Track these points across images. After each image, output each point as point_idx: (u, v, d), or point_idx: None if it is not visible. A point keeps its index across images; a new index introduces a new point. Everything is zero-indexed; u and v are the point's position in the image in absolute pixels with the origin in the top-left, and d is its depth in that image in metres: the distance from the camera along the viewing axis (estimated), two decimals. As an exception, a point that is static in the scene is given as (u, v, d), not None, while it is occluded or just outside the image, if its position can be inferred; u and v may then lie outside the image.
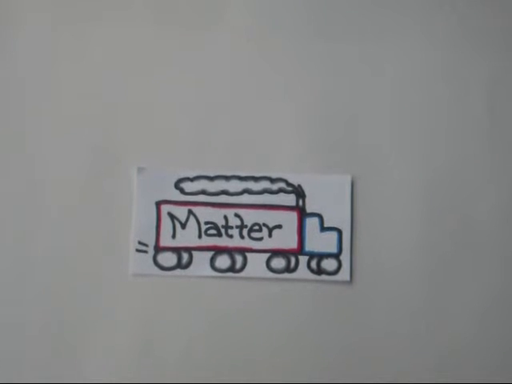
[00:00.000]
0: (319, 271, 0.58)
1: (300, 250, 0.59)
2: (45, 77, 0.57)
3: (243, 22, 0.58)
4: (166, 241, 0.58)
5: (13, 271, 0.55)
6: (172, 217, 0.58)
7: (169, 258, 0.58)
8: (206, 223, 0.58)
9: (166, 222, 0.58)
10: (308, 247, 0.59)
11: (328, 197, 0.59)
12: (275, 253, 0.58)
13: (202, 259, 0.58)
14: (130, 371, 0.55)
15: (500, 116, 0.58)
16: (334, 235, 0.59)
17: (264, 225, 0.59)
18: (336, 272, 0.58)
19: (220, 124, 0.58)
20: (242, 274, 0.58)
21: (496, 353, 0.56)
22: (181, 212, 0.59)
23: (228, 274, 0.57)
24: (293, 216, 0.59)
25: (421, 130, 0.58)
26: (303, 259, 0.58)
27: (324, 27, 0.58)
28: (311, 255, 0.58)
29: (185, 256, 0.58)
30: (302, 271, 0.58)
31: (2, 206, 0.56)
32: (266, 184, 0.59)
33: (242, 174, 0.59)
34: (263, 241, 0.59)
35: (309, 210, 0.59)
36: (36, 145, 0.56)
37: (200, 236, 0.58)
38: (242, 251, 0.58)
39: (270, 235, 0.59)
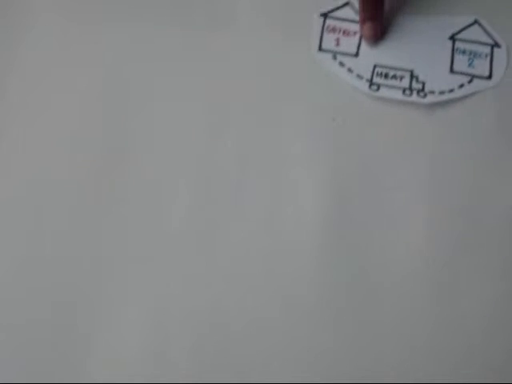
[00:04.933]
0: None
1: None
2: (56, 77, 0.58)
3: (254, 23, 0.59)
4: None
5: (25, 267, 0.55)
6: None
7: None
8: None
9: None
10: None
11: None
12: None
13: None
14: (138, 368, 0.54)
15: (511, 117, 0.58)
16: None
17: None
18: None
19: (231, 126, 0.58)
20: None
21: (506, 357, 0.56)
22: None
23: None
24: None
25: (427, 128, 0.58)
26: None
27: None
28: None
29: None
30: None
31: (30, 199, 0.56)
32: None
33: None
34: None
35: None
36: (44, 142, 0.57)
37: None
38: None
39: None
